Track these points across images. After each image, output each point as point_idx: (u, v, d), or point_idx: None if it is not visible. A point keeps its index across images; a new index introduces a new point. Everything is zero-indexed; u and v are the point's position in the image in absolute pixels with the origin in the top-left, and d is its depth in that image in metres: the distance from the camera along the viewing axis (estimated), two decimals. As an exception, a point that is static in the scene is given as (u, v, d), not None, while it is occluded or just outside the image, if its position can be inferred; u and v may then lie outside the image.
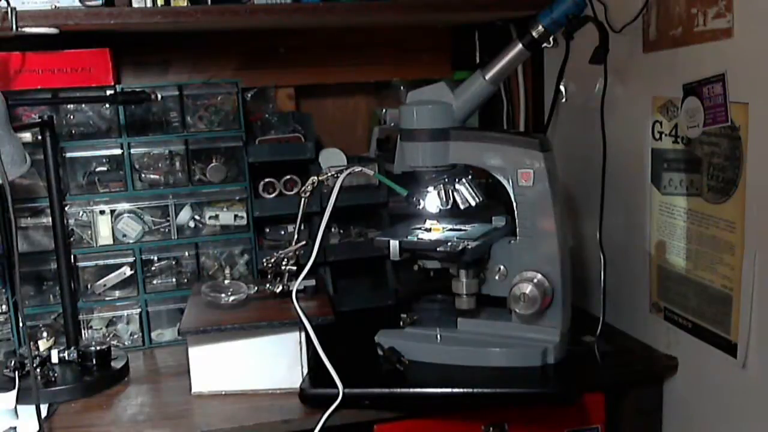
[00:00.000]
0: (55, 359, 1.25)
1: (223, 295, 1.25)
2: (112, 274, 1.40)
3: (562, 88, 1.41)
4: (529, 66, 1.61)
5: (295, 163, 1.47)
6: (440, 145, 1.14)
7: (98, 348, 1.27)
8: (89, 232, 1.38)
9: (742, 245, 1.05)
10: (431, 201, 1.21)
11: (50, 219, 1.29)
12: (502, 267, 1.17)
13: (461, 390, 1.10)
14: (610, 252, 1.31)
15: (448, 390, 1.10)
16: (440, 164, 1.16)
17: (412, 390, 1.12)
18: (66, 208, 1.35)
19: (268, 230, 1.51)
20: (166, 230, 1.42)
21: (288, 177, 1.46)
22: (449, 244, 1.12)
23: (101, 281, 1.40)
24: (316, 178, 1.21)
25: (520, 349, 1.15)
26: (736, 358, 1.08)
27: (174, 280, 1.44)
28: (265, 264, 1.29)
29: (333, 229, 1.52)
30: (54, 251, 1.29)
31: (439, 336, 1.20)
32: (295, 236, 1.27)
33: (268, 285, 1.28)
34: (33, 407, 1.07)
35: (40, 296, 1.38)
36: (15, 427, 1.10)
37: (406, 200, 1.21)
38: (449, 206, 1.20)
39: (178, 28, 1.40)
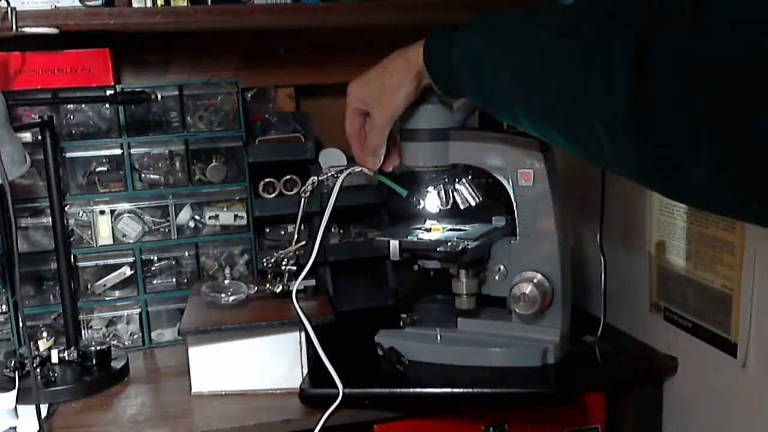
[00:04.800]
0: (55, 359, 1.25)
1: (223, 295, 1.25)
2: (112, 274, 1.40)
3: (562, 88, 1.41)
4: (529, 66, 1.61)
5: (295, 163, 1.47)
6: (440, 145, 1.14)
7: (98, 348, 1.27)
8: (89, 232, 1.38)
9: (742, 245, 1.05)
10: (431, 201, 1.21)
11: (50, 219, 1.29)
12: (502, 267, 1.17)
13: (461, 390, 1.10)
14: (611, 252, 1.32)
15: (448, 390, 1.10)
16: (440, 164, 1.16)
17: (412, 390, 1.11)
18: (66, 208, 1.35)
19: (268, 230, 1.51)
20: (166, 230, 1.42)
21: (288, 177, 1.46)
22: (449, 244, 1.12)
23: (101, 281, 1.40)
24: (316, 178, 1.21)
25: (520, 349, 1.15)
26: (736, 358, 1.08)
27: (174, 280, 1.44)
28: (265, 264, 1.29)
29: (333, 229, 1.52)
30: (54, 251, 1.29)
31: (439, 336, 1.20)
32: (295, 236, 1.27)
33: (268, 285, 1.28)
34: (33, 407, 1.07)
35: (40, 296, 1.38)
36: (15, 427, 1.10)
37: (405, 200, 1.20)
38: (449, 206, 1.20)
39: (178, 28, 1.40)
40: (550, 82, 0.72)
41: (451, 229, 1.23)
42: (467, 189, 1.20)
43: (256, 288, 1.28)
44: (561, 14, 0.77)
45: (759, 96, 0.51)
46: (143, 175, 1.41)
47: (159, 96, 1.34)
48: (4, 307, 1.34)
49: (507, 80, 0.81)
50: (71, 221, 1.37)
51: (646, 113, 0.59)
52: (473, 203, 1.20)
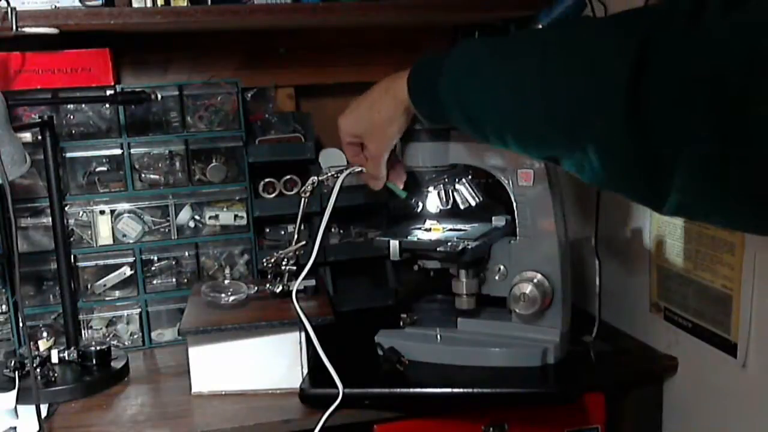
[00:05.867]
0: (55, 359, 1.25)
1: (223, 295, 1.25)
2: (112, 274, 1.40)
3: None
4: (529, 66, 1.61)
5: (295, 163, 1.47)
6: (440, 145, 1.14)
7: (98, 348, 1.27)
8: (89, 232, 1.38)
9: (742, 245, 1.05)
10: (431, 201, 1.21)
11: (50, 219, 1.29)
12: (502, 267, 1.17)
13: (461, 390, 1.10)
14: (610, 252, 1.31)
15: (448, 390, 1.10)
16: (440, 164, 1.16)
17: (412, 390, 1.12)
18: (66, 208, 1.35)
19: (268, 230, 1.51)
20: (166, 230, 1.42)
21: (288, 177, 1.46)
22: (449, 244, 1.12)
23: (101, 281, 1.40)
24: (316, 178, 1.21)
25: (520, 349, 1.15)
26: (736, 358, 1.08)
27: (174, 280, 1.44)
28: (265, 264, 1.29)
29: (333, 229, 1.52)
30: (54, 251, 1.29)
31: (439, 336, 1.20)
32: (295, 236, 1.27)
33: (268, 285, 1.28)
34: (33, 407, 1.07)
35: (40, 296, 1.38)
36: (15, 427, 1.10)
37: (405, 201, 1.20)
38: (449, 206, 1.20)
39: (178, 28, 1.40)
40: (548, 87, 0.71)
41: (451, 229, 1.23)
42: (467, 189, 1.20)
43: (256, 288, 1.28)
44: (556, 25, 0.77)
45: (759, 96, 0.51)
46: (143, 175, 1.41)
47: (159, 96, 1.34)
48: (4, 307, 1.34)
49: (498, 94, 0.79)
50: (71, 221, 1.37)
51: (644, 114, 0.59)
52: (473, 203, 1.20)
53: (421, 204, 1.21)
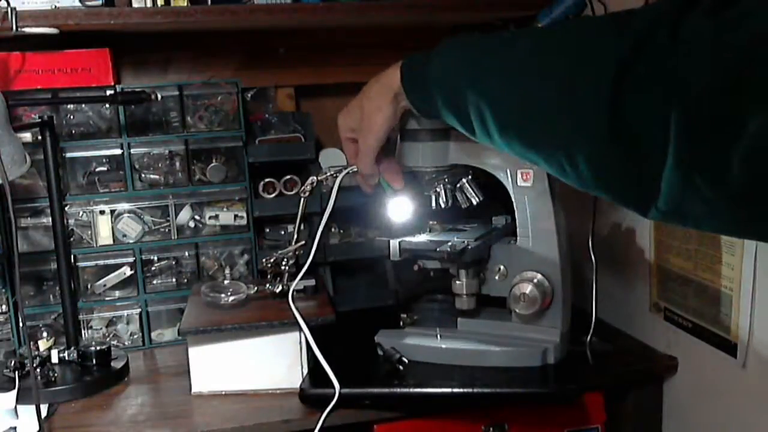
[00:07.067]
0: (55, 359, 1.25)
1: (223, 295, 1.25)
2: (112, 274, 1.40)
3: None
4: (529, 66, 1.61)
5: (295, 163, 1.47)
6: (440, 145, 1.14)
7: (98, 348, 1.27)
8: (89, 232, 1.38)
9: (742, 245, 1.05)
10: (432, 201, 1.21)
11: (50, 219, 1.29)
12: (502, 267, 1.17)
13: (461, 390, 1.10)
14: (611, 252, 1.31)
15: (448, 390, 1.10)
16: (440, 164, 1.16)
17: (412, 390, 1.11)
18: (66, 208, 1.35)
19: (268, 230, 1.51)
20: (166, 230, 1.42)
21: (288, 177, 1.46)
22: (449, 244, 1.12)
23: (101, 281, 1.40)
24: (315, 178, 1.21)
25: (520, 349, 1.15)
26: (736, 358, 1.08)
27: (174, 280, 1.44)
28: (264, 264, 1.29)
29: (333, 229, 1.52)
30: (54, 251, 1.29)
31: (439, 336, 1.20)
32: (295, 236, 1.27)
33: (267, 285, 1.28)
34: (33, 407, 1.07)
35: (40, 296, 1.38)
36: (15, 427, 1.10)
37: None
38: (449, 206, 1.20)
39: (178, 28, 1.40)
40: (535, 80, 0.70)
41: (451, 229, 1.23)
42: (467, 189, 1.20)
43: (255, 288, 1.28)
44: (542, 32, 0.77)
45: (746, 96, 0.50)
46: (143, 175, 1.41)
47: (159, 96, 1.34)
48: (4, 307, 1.34)
49: (487, 83, 0.78)
50: (71, 221, 1.37)
51: (628, 114, 0.58)
52: (474, 203, 1.20)
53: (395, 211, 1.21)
